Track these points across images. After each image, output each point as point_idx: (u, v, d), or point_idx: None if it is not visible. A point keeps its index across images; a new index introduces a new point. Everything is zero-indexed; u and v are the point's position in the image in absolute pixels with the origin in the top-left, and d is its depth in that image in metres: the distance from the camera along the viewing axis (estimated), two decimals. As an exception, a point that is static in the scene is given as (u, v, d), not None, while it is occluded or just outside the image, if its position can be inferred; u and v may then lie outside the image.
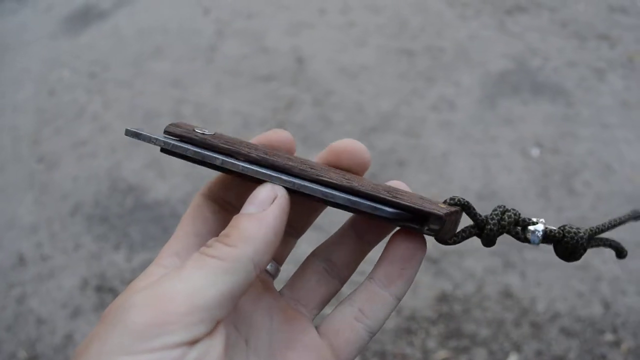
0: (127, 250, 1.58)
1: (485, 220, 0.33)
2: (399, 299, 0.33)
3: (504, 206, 0.33)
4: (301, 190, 0.29)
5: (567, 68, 2.00)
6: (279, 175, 0.29)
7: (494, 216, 0.33)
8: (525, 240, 0.32)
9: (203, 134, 0.32)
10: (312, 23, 2.39)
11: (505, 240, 1.44)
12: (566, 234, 0.32)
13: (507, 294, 1.36)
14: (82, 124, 2.05)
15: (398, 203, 0.30)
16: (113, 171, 1.83)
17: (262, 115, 1.95)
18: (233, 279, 0.25)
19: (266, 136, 0.34)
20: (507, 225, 0.32)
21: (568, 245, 0.32)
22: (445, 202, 0.33)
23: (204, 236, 0.31)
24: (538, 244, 0.32)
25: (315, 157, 0.34)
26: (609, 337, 1.26)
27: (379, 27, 2.32)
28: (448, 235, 0.32)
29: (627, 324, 1.28)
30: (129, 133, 0.31)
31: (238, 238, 0.26)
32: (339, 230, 0.36)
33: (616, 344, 1.25)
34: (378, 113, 1.91)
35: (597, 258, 1.40)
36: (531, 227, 0.32)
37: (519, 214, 0.33)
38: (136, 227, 1.64)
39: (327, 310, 0.35)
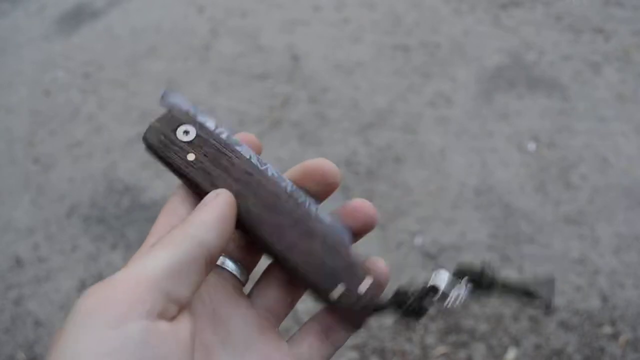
0: (124, 250, 1.58)
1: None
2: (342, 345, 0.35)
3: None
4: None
5: (562, 62, 2.00)
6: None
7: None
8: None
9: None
10: (306, 20, 2.38)
11: (502, 234, 1.44)
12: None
13: (505, 288, 1.36)
14: (77, 125, 2.04)
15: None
16: (109, 172, 1.82)
17: (258, 113, 1.95)
18: (176, 252, 0.27)
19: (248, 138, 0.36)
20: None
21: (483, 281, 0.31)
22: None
23: None
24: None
25: (286, 171, 0.36)
26: (607, 330, 1.27)
27: (373, 23, 2.31)
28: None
29: (625, 316, 1.28)
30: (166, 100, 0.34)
31: (186, 222, 0.28)
32: None
33: (614, 336, 1.25)
34: (374, 109, 1.90)
35: (594, 252, 1.41)
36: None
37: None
38: (133, 227, 1.64)
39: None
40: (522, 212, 1.53)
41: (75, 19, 2.65)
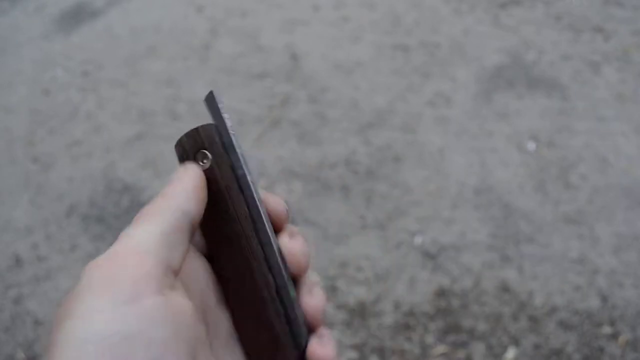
0: (123, 250, 1.58)
1: None
2: None
3: None
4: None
5: (562, 61, 2.00)
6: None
7: None
8: None
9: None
10: (305, 20, 2.38)
11: (502, 234, 1.44)
12: None
13: (504, 288, 1.36)
14: (77, 124, 2.03)
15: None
16: (108, 171, 1.82)
17: (257, 112, 1.95)
18: (165, 223, 0.27)
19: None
20: None
21: None
22: None
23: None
24: None
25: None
26: (606, 329, 1.27)
27: (373, 22, 2.31)
28: None
29: (624, 316, 1.28)
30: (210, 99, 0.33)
31: (167, 195, 0.29)
32: None
33: (614, 336, 1.25)
34: (374, 109, 1.90)
35: (593, 251, 1.41)
36: None
37: None
38: (132, 227, 1.64)
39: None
40: (522, 212, 1.53)
41: (74, 18, 2.64)
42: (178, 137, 0.32)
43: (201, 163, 0.31)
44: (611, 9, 2.21)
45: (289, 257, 0.31)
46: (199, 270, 0.32)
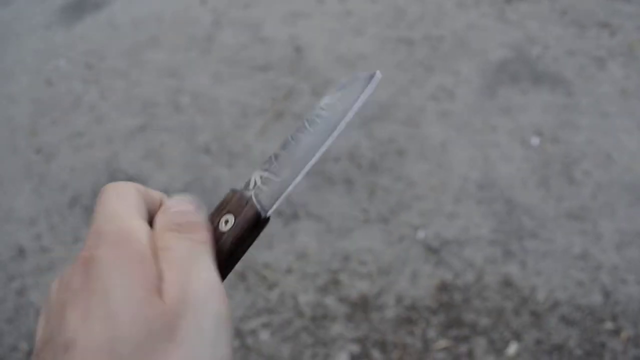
0: (126, 241, 1.58)
1: None
2: None
3: None
4: None
5: (566, 57, 1.99)
6: None
7: None
8: None
9: None
10: (309, 12, 2.37)
11: (505, 229, 1.43)
12: None
13: (507, 283, 1.36)
14: (79, 115, 2.03)
15: None
16: (111, 162, 1.82)
17: (260, 105, 1.94)
18: None
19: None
20: None
21: None
22: None
23: None
24: None
25: None
26: (608, 325, 1.27)
27: (376, 15, 2.30)
28: None
29: (626, 312, 1.28)
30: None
31: None
32: None
33: (616, 332, 1.26)
34: (377, 102, 1.90)
35: (596, 247, 1.41)
36: None
37: None
38: (135, 219, 1.64)
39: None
40: (525, 207, 1.52)
41: (77, 9, 2.63)
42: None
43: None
44: (617, 4, 2.20)
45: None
46: None
